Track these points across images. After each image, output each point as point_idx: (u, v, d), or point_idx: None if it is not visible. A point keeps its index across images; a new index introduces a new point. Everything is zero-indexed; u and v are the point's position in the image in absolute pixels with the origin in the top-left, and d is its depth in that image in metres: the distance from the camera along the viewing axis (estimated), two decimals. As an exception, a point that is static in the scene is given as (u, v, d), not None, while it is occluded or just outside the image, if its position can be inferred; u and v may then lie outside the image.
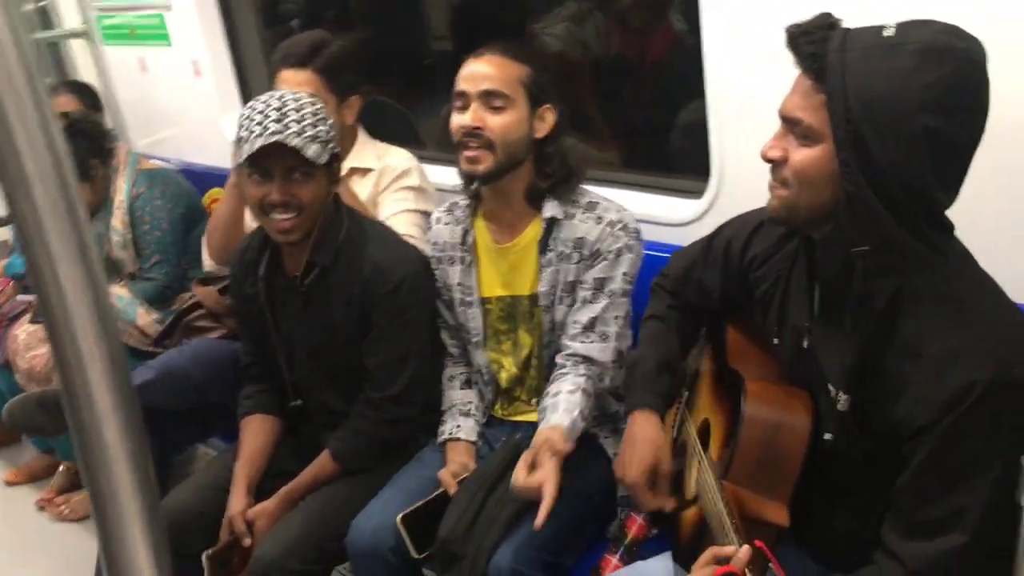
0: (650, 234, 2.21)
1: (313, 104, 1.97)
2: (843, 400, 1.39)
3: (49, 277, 0.60)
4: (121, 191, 2.97)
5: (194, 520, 2.10)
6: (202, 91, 3.47)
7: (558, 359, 2.00)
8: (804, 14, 1.74)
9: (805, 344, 1.48)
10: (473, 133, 1.91)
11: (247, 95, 3.46)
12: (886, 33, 1.24)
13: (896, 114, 1.20)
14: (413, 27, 3.89)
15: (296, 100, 1.95)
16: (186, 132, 3.65)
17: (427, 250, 2.17)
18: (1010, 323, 1.30)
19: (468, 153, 1.92)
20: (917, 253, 1.28)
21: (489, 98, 1.91)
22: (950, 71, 1.20)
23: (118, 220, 2.95)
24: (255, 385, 2.27)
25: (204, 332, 2.58)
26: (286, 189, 1.95)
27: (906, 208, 1.25)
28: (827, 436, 1.42)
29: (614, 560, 1.84)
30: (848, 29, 1.28)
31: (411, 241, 2.24)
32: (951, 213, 1.33)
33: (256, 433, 2.22)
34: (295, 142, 1.89)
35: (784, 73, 1.83)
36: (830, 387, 1.42)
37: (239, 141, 1.95)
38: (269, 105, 1.92)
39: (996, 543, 1.30)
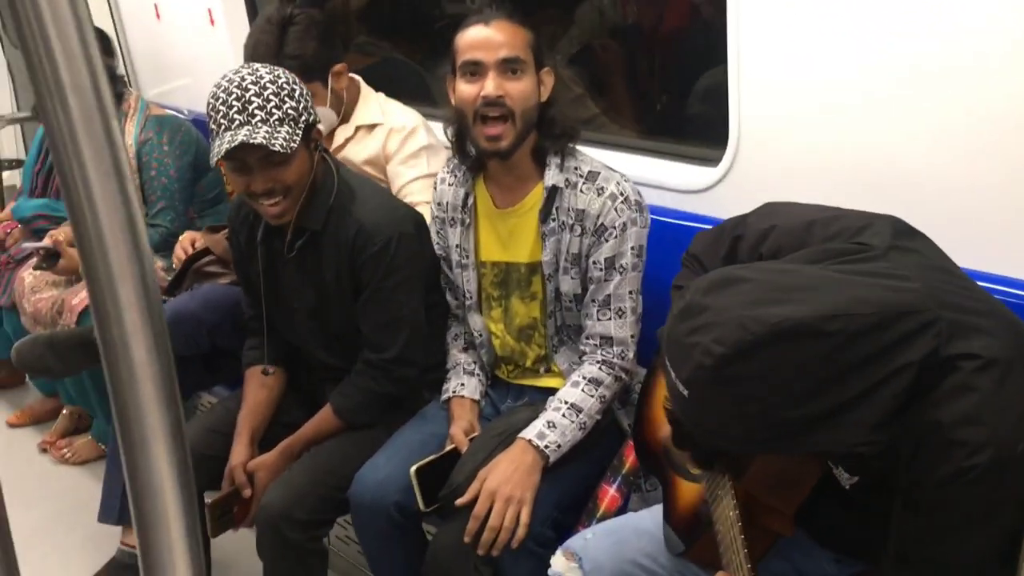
0: (664, 200, 2.21)
1: (276, 80, 1.91)
2: (846, 479, 1.38)
3: (82, 192, 0.60)
4: (129, 136, 2.95)
5: (198, 461, 2.11)
6: (216, 41, 3.44)
7: (581, 344, 2.00)
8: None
9: None
10: (496, 103, 1.87)
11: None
12: (682, 391, 1.19)
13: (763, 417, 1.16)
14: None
15: (256, 81, 1.89)
16: (198, 82, 3.61)
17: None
18: (1016, 393, 1.21)
19: (490, 130, 1.88)
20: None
21: (507, 65, 1.88)
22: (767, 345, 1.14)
23: (126, 165, 2.94)
24: (258, 337, 2.27)
25: (214, 278, 2.57)
26: (267, 176, 1.92)
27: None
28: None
29: (611, 490, 1.86)
30: (678, 411, 1.23)
31: (426, 207, 2.22)
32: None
33: (260, 384, 2.22)
34: (260, 137, 1.84)
35: (809, 40, 1.84)
36: (829, 463, 1.39)
37: (212, 133, 1.91)
38: (230, 94, 1.88)
39: None
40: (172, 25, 3.65)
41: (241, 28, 3.41)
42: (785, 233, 1.45)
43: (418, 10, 3.84)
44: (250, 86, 1.89)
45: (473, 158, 2.00)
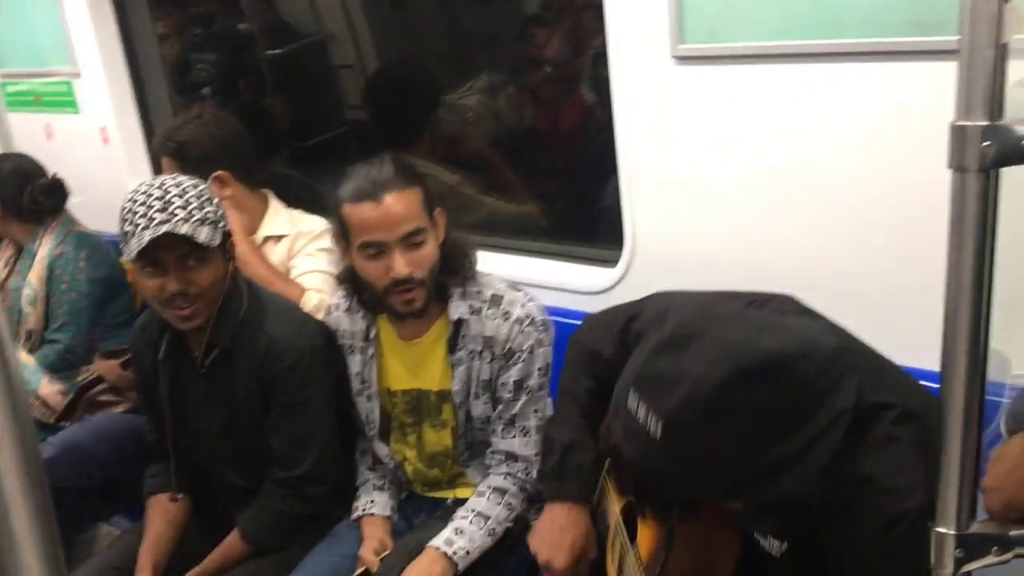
0: (565, 302, 2.24)
1: (196, 186, 1.93)
2: (775, 547, 1.39)
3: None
4: (46, 246, 2.88)
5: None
6: (110, 158, 3.40)
7: (487, 458, 1.99)
8: (714, 92, 1.85)
9: None
10: (407, 280, 1.83)
11: (157, 163, 3.41)
12: (653, 432, 1.19)
13: (738, 454, 1.19)
14: (326, 96, 3.91)
15: (177, 185, 1.90)
16: (92, 200, 3.55)
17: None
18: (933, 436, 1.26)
19: (406, 296, 1.84)
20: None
21: (409, 239, 1.82)
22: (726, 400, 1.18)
23: (35, 275, 2.86)
24: (161, 463, 2.19)
25: (107, 407, 2.49)
26: (182, 278, 1.89)
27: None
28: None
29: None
30: (642, 455, 1.23)
31: (321, 297, 2.21)
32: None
33: (163, 513, 2.13)
34: (184, 229, 1.84)
35: (695, 146, 1.92)
36: (756, 536, 1.41)
37: (125, 235, 1.88)
38: (150, 195, 1.87)
39: None
40: (65, 144, 3.59)
41: (136, 145, 3.39)
42: (687, 307, 1.46)
43: (318, 120, 3.89)
44: (171, 188, 1.88)
45: (371, 300, 1.97)
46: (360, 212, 1.82)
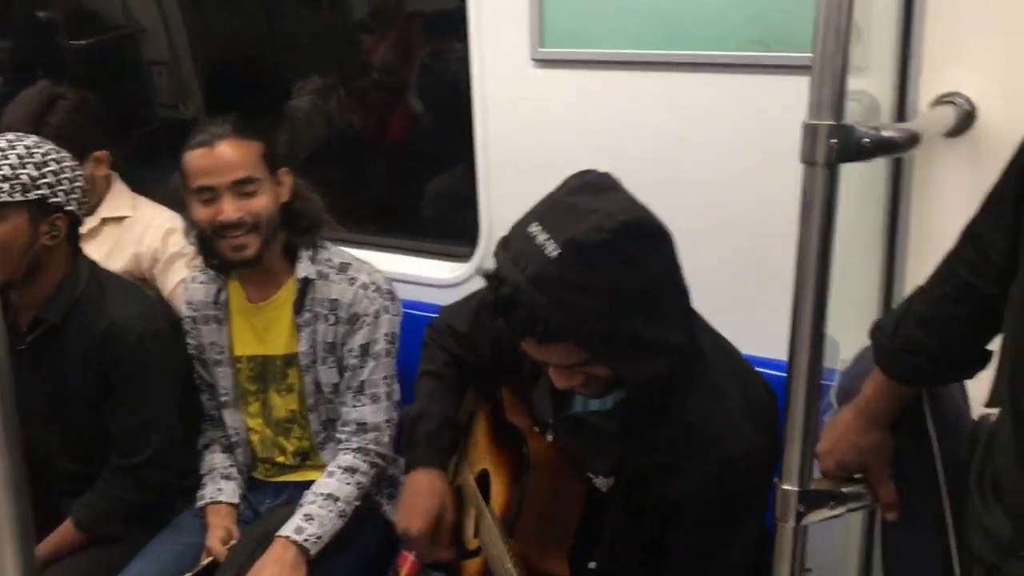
0: (418, 295, 2.28)
1: (28, 149, 1.86)
2: (603, 483, 1.50)
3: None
4: None
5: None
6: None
7: (338, 432, 2.00)
8: (572, 94, 1.96)
9: (549, 438, 1.59)
10: (237, 225, 1.86)
11: None
12: (549, 252, 1.26)
13: (610, 302, 1.28)
14: (134, 92, 3.76)
15: (8, 146, 1.84)
16: None
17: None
18: (757, 394, 1.46)
19: (235, 241, 1.87)
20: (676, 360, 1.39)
21: (241, 186, 1.87)
22: (613, 246, 1.27)
23: None
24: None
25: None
26: None
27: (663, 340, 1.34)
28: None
29: (389, 600, 1.85)
30: (529, 274, 1.27)
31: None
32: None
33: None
34: None
35: (552, 147, 2.02)
36: (589, 474, 1.52)
37: None
38: None
39: None
40: None
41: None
42: None
43: (125, 116, 3.72)
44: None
45: (221, 260, 1.96)
46: (194, 158, 1.87)
